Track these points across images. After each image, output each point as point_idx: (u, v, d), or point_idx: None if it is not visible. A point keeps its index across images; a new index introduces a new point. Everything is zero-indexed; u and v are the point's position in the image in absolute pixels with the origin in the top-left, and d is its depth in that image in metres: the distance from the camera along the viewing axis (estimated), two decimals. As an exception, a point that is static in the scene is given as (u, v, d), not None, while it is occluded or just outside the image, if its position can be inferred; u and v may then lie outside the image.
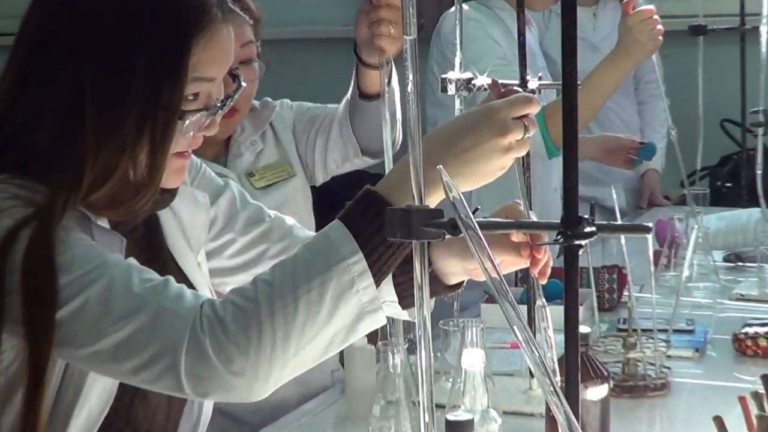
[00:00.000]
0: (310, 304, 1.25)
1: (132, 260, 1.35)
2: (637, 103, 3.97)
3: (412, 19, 1.04)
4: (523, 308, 1.97)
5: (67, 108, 1.35)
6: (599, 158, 3.51)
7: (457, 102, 1.88)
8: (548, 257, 1.49)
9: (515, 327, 0.93)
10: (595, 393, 1.68)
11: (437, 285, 1.53)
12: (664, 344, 2.15)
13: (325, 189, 2.64)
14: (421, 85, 1.12)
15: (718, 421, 1.50)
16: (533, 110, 1.35)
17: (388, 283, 1.48)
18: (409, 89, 1.05)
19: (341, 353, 2.00)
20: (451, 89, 1.86)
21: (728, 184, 4.35)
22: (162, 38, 1.35)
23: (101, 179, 1.35)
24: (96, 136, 1.34)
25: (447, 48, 3.00)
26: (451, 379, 1.86)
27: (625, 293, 2.55)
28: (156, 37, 1.35)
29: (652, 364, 2.11)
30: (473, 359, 1.60)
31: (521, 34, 2.01)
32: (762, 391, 1.53)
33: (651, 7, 2.71)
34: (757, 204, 2.98)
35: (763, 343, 2.27)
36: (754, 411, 1.52)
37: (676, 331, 2.28)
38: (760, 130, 2.89)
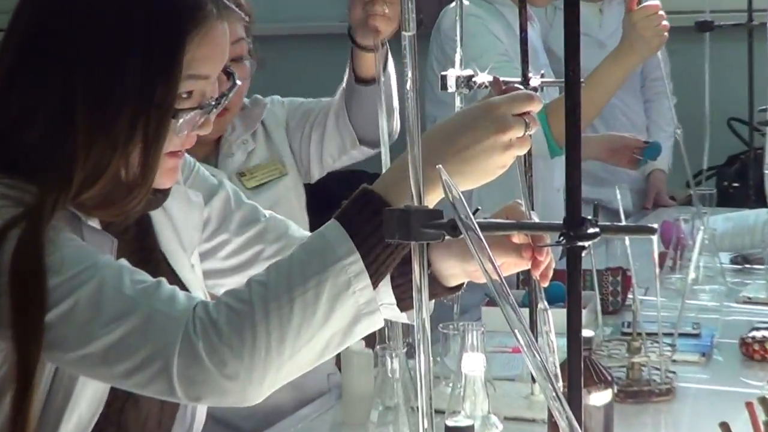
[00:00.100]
0: (306, 306, 1.25)
1: (123, 261, 1.35)
2: (644, 102, 3.97)
3: (411, 15, 1.04)
4: (525, 311, 1.97)
5: (57, 106, 1.35)
6: (603, 158, 3.52)
7: (458, 100, 1.88)
8: (550, 259, 1.49)
9: (517, 330, 0.93)
10: (598, 398, 1.68)
11: (437, 287, 1.53)
12: (669, 348, 2.15)
13: (322, 188, 2.65)
14: (421, 82, 1.12)
15: (725, 427, 1.50)
16: (534, 107, 1.35)
17: (386, 285, 1.48)
18: (408, 86, 1.05)
19: (338, 357, 2.00)
20: (451, 87, 1.86)
21: (735, 184, 4.35)
22: (155, 35, 1.35)
23: (92, 179, 1.35)
24: (87, 134, 1.34)
25: (447, 44, 3.01)
26: (450, 384, 1.86)
27: (630, 296, 2.55)
28: (149, 33, 1.35)
29: (657, 369, 2.11)
30: (473, 363, 1.60)
31: (523, 30, 2.01)
32: (769, 396, 1.53)
33: (656, 2, 2.71)
34: (764, 204, 2.97)
35: (770, 347, 2.28)
36: (761, 417, 1.52)
37: (681, 335, 2.28)
38: (768, 129, 2.90)
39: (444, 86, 1.87)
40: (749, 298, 2.72)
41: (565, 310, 0.98)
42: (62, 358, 1.31)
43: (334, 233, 1.29)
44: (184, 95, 1.38)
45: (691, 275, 2.42)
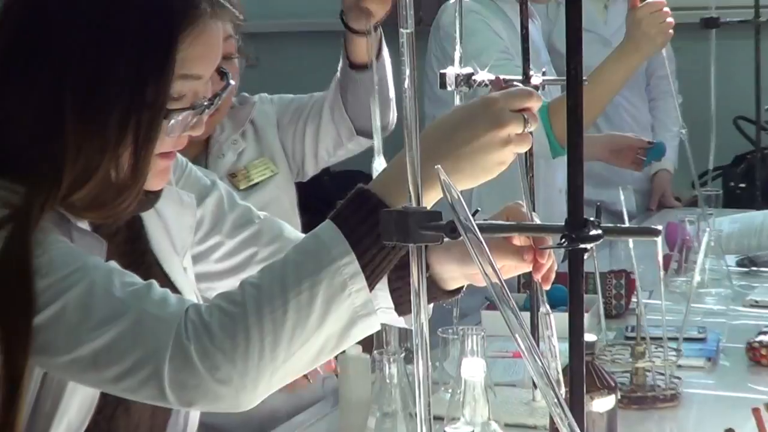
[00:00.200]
0: (300, 308, 1.25)
1: (113, 263, 1.35)
2: (649, 100, 3.98)
3: (409, 11, 1.04)
4: (526, 315, 1.97)
5: (46, 105, 1.35)
6: (606, 159, 3.52)
7: (457, 98, 1.88)
8: (552, 262, 1.49)
9: (517, 335, 0.93)
10: (601, 404, 1.68)
11: (435, 291, 1.53)
12: (674, 353, 2.15)
13: (318, 189, 2.65)
14: (419, 80, 1.12)
15: (731, 433, 1.50)
16: (533, 103, 1.35)
17: (383, 289, 1.48)
18: (405, 85, 1.05)
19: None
20: (451, 85, 1.86)
21: (742, 185, 4.36)
22: (147, 33, 1.35)
23: (81, 180, 1.35)
24: (76, 134, 1.34)
25: (446, 41, 3.01)
26: (450, 390, 1.87)
27: (634, 299, 2.55)
28: (141, 31, 1.35)
29: (662, 374, 2.11)
30: (473, 369, 1.60)
31: (524, 27, 2.01)
32: (777, 402, 1.53)
33: (661, -2, 2.72)
34: (772, 205, 2.98)
35: (778, 352, 2.28)
36: (768, 423, 1.52)
37: (686, 339, 2.28)
38: (776, 128, 2.90)
39: (443, 84, 1.87)
40: (756, 301, 2.72)
41: (567, 314, 0.98)
42: (50, 362, 1.31)
43: (329, 234, 1.29)
44: (176, 95, 1.38)
45: (697, 278, 2.42)
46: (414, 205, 1.03)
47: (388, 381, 1.73)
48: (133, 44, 1.34)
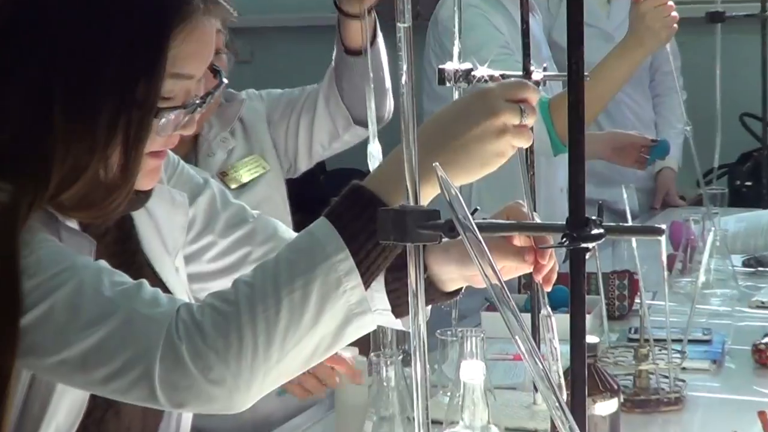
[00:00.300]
0: (294, 307, 1.25)
1: (102, 263, 1.35)
2: (653, 97, 3.98)
3: (406, 5, 1.04)
4: (527, 316, 1.97)
5: (34, 102, 1.35)
6: (608, 157, 3.52)
7: (456, 95, 1.88)
8: (554, 263, 1.49)
9: (518, 337, 0.93)
10: (604, 408, 1.68)
11: (433, 292, 1.53)
12: (678, 355, 2.16)
13: (315, 188, 2.65)
14: (417, 76, 1.12)
15: (737, 438, 1.50)
16: (529, 95, 1.35)
17: (380, 291, 1.48)
18: (403, 81, 1.05)
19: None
20: (450, 81, 1.86)
21: (748, 183, 4.37)
22: (138, 29, 1.35)
23: (70, 179, 1.35)
24: (65, 133, 1.34)
25: (445, 36, 3.01)
26: (449, 394, 1.86)
27: (637, 300, 2.56)
28: (132, 27, 1.35)
29: (666, 377, 2.11)
30: (473, 372, 1.60)
31: (525, 22, 2.01)
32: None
33: (665, -9, 2.72)
34: (778, 204, 2.99)
35: (785, 354, 2.28)
36: (775, 427, 1.52)
37: (691, 341, 2.28)
38: (783, 125, 2.90)
39: (442, 81, 1.87)
40: (762, 302, 2.72)
41: (568, 315, 0.99)
42: (38, 364, 1.31)
43: (323, 231, 1.29)
44: (167, 94, 1.38)
45: (702, 278, 2.42)
46: (411, 203, 1.03)
47: (385, 384, 1.73)
48: (123, 41, 1.34)
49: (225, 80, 1.52)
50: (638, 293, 2.38)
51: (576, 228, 0.96)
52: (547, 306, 1.64)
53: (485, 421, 1.61)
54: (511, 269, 1.50)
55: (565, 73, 0.97)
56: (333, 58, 2.39)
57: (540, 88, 2.00)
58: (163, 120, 1.38)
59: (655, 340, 2.12)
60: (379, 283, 1.46)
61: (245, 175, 2.42)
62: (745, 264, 3.05)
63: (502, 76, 1.61)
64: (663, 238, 2.13)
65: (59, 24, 1.35)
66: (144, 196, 1.47)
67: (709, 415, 2.08)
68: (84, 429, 1.42)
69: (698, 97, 3.41)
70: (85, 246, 1.40)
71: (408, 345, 1.75)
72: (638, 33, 2.69)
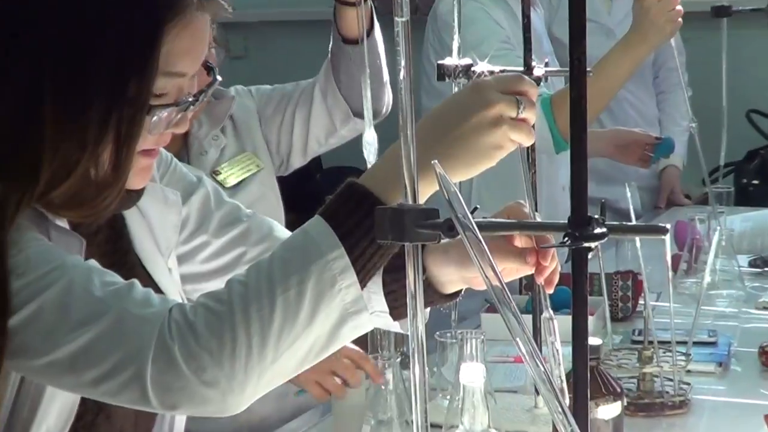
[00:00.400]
0: (288, 306, 1.26)
1: (93, 262, 1.35)
2: (657, 93, 3.98)
3: (404, -1, 1.04)
4: (528, 318, 1.97)
5: (23, 98, 1.35)
6: (611, 155, 3.52)
7: (455, 91, 1.88)
8: (556, 264, 1.49)
9: (519, 339, 0.93)
10: (607, 411, 1.69)
11: (432, 294, 1.53)
12: (683, 358, 2.16)
13: (311, 186, 2.65)
14: (415, 72, 1.12)
15: (743, 442, 1.50)
16: (526, 88, 1.36)
17: (377, 292, 1.48)
18: (401, 76, 1.05)
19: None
20: (449, 76, 1.86)
21: (755, 182, 4.37)
22: (130, 24, 1.34)
23: (60, 177, 1.35)
24: (54, 130, 1.33)
25: (444, 31, 3.01)
26: (448, 397, 1.87)
27: (641, 302, 2.56)
28: (124, 23, 1.34)
29: (670, 380, 2.11)
30: (472, 374, 1.60)
31: (526, 16, 2.01)
32: (791, 409, 1.53)
33: (670, -14, 2.72)
34: (786, 204, 2.99)
35: (792, 356, 2.28)
36: (782, 431, 1.53)
37: (696, 343, 2.29)
38: (791, 122, 2.91)
39: (441, 76, 1.87)
40: (769, 303, 2.72)
41: (570, 317, 0.98)
42: (27, 365, 1.31)
43: (318, 229, 1.29)
44: (160, 91, 1.37)
45: (707, 279, 2.42)
46: (410, 201, 1.03)
47: (383, 387, 1.73)
48: (115, 36, 1.34)
49: (219, 78, 1.51)
50: (642, 294, 2.38)
51: (578, 227, 0.96)
52: (549, 309, 1.64)
53: (485, 425, 1.61)
54: (512, 271, 1.50)
55: (567, 69, 0.97)
56: (329, 50, 2.39)
57: (542, 84, 2.00)
58: (155, 118, 1.38)
59: (660, 342, 2.13)
60: (376, 285, 1.46)
61: (239, 174, 2.42)
62: (751, 264, 3.05)
63: (503, 72, 1.61)
64: (667, 238, 2.14)
65: (50, 19, 1.35)
66: (135, 195, 1.47)
67: (715, 419, 2.08)
68: (74, 433, 1.42)
69: (704, 94, 3.41)
70: (74, 245, 1.40)
71: (406, 347, 1.75)
72: (642, 28, 2.70)
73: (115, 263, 1.47)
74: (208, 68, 1.51)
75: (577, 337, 0.97)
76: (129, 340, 1.27)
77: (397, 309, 1.51)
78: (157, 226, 1.57)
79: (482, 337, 1.67)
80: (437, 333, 2.10)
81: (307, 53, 3.69)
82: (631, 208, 2.34)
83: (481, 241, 0.93)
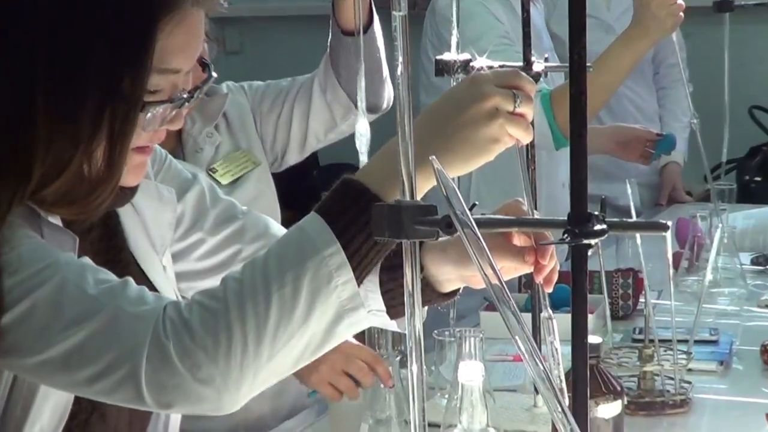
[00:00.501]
0: (284, 302, 1.26)
1: (86, 260, 1.35)
2: (658, 89, 3.98)
3: (402, -7, 1.04)
4: (527, 316, 1.97)
5: (15, 95, 1.34)
6: (612, 151, 3.52)
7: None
8: (555, 263, 1.49)
9: (518, 337, 0.93)
10: (607, 410, 1.69)
11: (430, 293, 1.53)
12: (684, 356, 2.16)
13: (306, 183, 2.64)
14: (413, 68, 1.12)
15: (744, 441, 1.51)
16: (523, 83, 1.36)
17: (374, 291, 1.48)
18: (399, 72, 1.05)
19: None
20: (447, 72, 1.86)
21: (757, 179, 4.37)
22: (124, 20, 1.34)
23: (53, 174, 1.35)
24: (47, 127, 1.33)
25: (442, 26, 3.01)
26: (446, 396, 1.87)
27: (642, 300, 2.56)
28: (118, 18, 1.34)
29: (671, 379, 2.12)
30: (471, 373, 1.60)
31: (525, 11, 2.01)
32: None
33: (671, -21, 2.72)
34: (788, 201, 2.99)
35: (794, 355, 2.28)
36: (784, 431, 1.53)
37: (697, 341, 2.29)
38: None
39: (439, 71, 1.87)
40: (771, 301, 2.73)
41: (570, 315, 0.99)
42: (19, 364, 1.31)
43: (313, 225, 1.29)
44: (154, 87, 1.37)
45: (709, 277, 2.42)
46: (407, 198, 1.03)
47: (381, 386, 1.73)
48: (109, 32, 1.34)
49: (214, 74, 1.51)
50: (643, 292, 2.38)
51: (578, 223, 0.96)
52: (548, 308, 1.64)
53: (484, 424, 1.61)
54: (511, 270, 1.50)
55: (567, 64, 0.97)
56: (329, 44, 2.39)
57: (541, 79, 2.00)
58: (149, 115, 1.38)
59: (661, 341, 2.13)
60: (373, 284, 1.47)
61: (236, 171, 2.42)
62: (753, 262, 3.05)
63: (502, 68, 1.61)
64: (668, 235, 2.14)
65: (43, 14, 1.34)
66: (129, 193, 1.47)
67: (716, 418, 2.08)
68: (68, 433, 1.42)
69: (706, 90, 3.41)
70: (67, 242, 1.40)
71: (404, 345, 1.76)
72: (643, 22, 2.70)
73: (109, 261, 1.47)
74: (202, 64, 1.51)
75: (577, 335, 0.97)
76: (123, 338, 1.27)
77: (395, 308, 1.52)
78: (152, 223, 1.57)
79: (481, 335, 1.67)
80: (435, 331, 2.10)
81: (303, 49, 3.69)
82: (632, 205, 2.34)
83: (479, 239, 0.93)
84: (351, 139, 2.47)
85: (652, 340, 2.12)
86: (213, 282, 1.58)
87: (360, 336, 1.94)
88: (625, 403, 1.76)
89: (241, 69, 2.62)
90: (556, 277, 1.50)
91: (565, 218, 0.96)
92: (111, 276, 1.33)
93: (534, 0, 2.98)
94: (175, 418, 1.58)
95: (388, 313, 1.53)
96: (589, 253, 0.98)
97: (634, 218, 2.31)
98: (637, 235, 2.23)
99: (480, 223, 0.94)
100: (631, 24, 2.74)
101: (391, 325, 1.56)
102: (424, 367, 1.03)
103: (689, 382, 2.14)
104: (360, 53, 1.90)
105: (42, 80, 1.33)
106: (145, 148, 1.42)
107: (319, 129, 2.47)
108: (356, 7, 2.04)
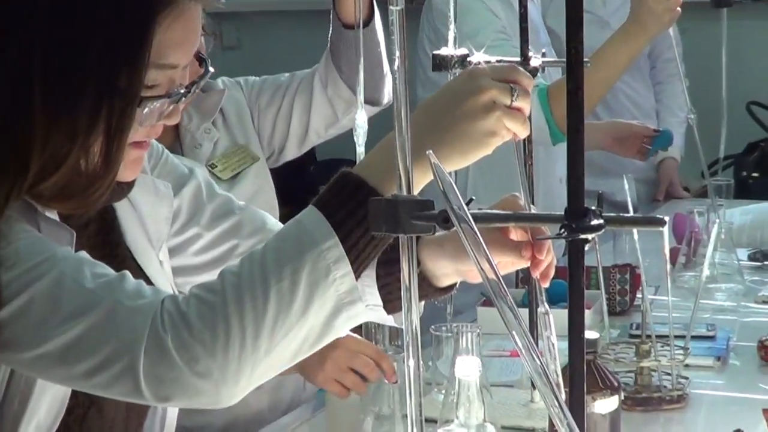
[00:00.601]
0: (282, 296, 1.26)
1: (83, 254, 1.35)
2: (654, 84, 3.97)
3: (399, -12, 1.04)
4: (524, 312, 1.97)
5: (12, 89, 1.34)
6: (608, 147, 3.52)
7: (450, 81, 1.88)
8: (552, 258, 1.49)
9: (515, 332, 0.93)
10: (604, 406, 1.69)
11: (426, 288, 1.53)
12: (681, 352, 2.16)
13: (304, 178, 2.64)
14: (410, 62, 1.12)
15: (741, 436, 1.51)
16: (520, 77, 1.36)
17: (371, 285, 1.49)
18: (396, 66, 1.05)
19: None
20: (445, 67, 1.86)
21: (755, 174, 4.37)
22: (122, 14, 1.34)
23: (49, 169, 1.35)
24: (44, 122, 1.33)
25: (439, 21, 3.01)
26: (443, 391, 1.87)
27: (639, 295, 2.56)
28: (115, 12, 1.34)
29: (668, 374, 2.12)
30: (468, 368, 1.60)
31: (523, 6, 2.01)
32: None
33: (668, -26, 2.71)
34: (785, 196, 2.99)
35: (791, 350, 2.28)
36: (780, 426, 1.53)
37: (694, 337, 2.29)
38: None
39: (436, 66, 1.87)
40: (768, 297, 2.73)
41: (567, 311, 0.98)
42: (17, 358, 1.31)
43: (311, 218, 1.29)
44: (151, 83, 1.37)
45: (706, 273, 2.42)
46: (404, 193, 1.02)
47: (384, 381, 1.73)
48: (106, 26, 1.33)
49: (211, 69, 1.51)
50: (640, 288, 2.38)
51: (575, 218, 0.95)
52: (545, 304, 1.64)
53: (481, 420, 1.61)
54: (508, 264, 1.50)
55: (564, 59, 0.97)
56: (329, 38, 2.39)
57: (539, 74, 2.00)
58: (147, 109, 1.38)
59: (658, 336, 2.13)
60: (370, 278, 1.47)
61: (235, 167, 2.41)
62: (750, 258, 3.05)
63: (499, 63, 1.61)
64: (665, 230, 2.14)
65: (40, 8, 1.34)
66: (126, 187, 1.47)
67: (713, 414, 2.08)
68: (66, 427, 1.42)
69: (703, 86, 3.41)
70: (64, 237, 1.40)
71: (401, 341, 1.76)
72: (640, 16, 2.69)
73: (106, 255, 1.47)
74: (200, 59, 1.50)
75: (574, 330, 0.97)
76: (121, 332, 1.27)
77: (391, 303, 1.52)
78: (148, 218, 1.57)
79: (478, 330, 1.67)
80: (432, 326, 2.10)
81: (301, 44, 3.69)
82: (629, 200, 2.34)
83: (476, 233, 0.93)
84: (349, 134, 2.47)
85: (649, 336, 2.12)
86: (210, 277, 1.58)
87: (357, 331, 1.94)
88: (622, 398, 1.76)
89: (239, 64, 2.62)
90: (552, 272, 1.51)
91: (562, 213, 0.96)
92: (108, 270, 1.33)
93: (531, -5, 2.98)
94: (173, 412, 1.58)
95: (385, 307, 1.53)
96: (586, 248, 0.98)
97: (631, 214, 2.31)
98: (634, 231, 2.23)
99: (477, 218, 0.94)
100: (629, 19, 2.74)
101: (388, 320, 1.56)
102: (421, 362, 1.03)
103: (686, 378, 2.14)
104: (360, 46, 1.90)
105: (39, 75, 1.33)
106: (142, 143, 1.42)
107: (320, 124, 2.47)
108: (357, 0, 2.04)
